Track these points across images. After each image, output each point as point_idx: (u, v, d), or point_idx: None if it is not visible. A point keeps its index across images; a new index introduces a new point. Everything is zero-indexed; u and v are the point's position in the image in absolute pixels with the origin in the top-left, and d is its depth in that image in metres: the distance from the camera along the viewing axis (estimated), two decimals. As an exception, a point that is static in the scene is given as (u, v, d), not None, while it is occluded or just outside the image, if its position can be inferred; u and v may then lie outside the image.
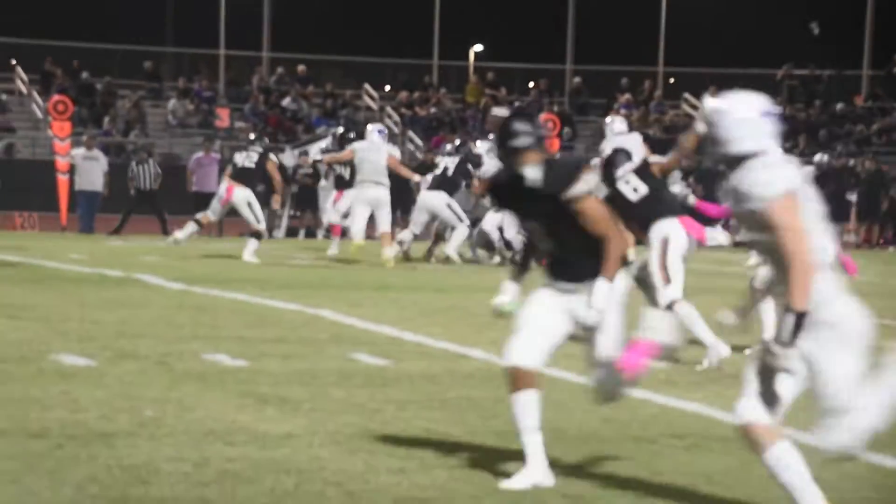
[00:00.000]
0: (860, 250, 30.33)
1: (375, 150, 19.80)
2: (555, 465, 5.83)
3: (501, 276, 16.94)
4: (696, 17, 47.10)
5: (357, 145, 20.37)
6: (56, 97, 30.60)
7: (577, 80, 44.64)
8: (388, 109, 40.49)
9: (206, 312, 11.69)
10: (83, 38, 40.12)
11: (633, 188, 9.82)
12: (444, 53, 45.37)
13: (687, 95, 44.32)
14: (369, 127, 21.24)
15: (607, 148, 20.04)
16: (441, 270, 18.75)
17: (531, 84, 45.37)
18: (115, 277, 15.10)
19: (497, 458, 5.94)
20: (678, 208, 9.85)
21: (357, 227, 19.67)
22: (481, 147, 21.36)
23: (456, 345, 9.82)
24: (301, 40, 43.86)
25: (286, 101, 38.99)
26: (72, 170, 28.49)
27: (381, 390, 7.66)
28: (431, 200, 20.23)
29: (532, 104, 40.77)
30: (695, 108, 43.81)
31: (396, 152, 21.53)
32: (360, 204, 19.74)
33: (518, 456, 5.94)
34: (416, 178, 21.31)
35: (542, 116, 22.63)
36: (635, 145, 20.92)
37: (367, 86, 42.37)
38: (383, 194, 19.61)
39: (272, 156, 20.48)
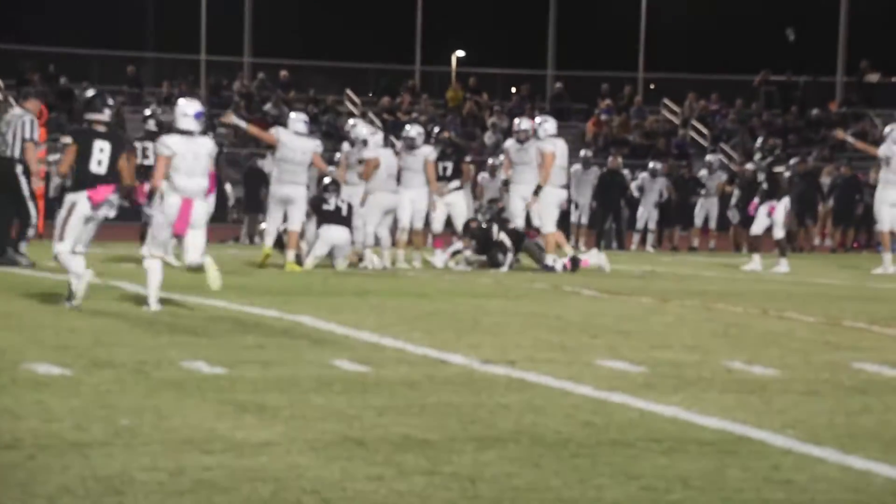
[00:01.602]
0: (835, 254, 30.40)
1: (301, 146, 18.32)
2: (532, 469, 5.81)
3: (484, 281, 16.74)
4: (675, 23, 47.30)
5: (282, 137, 18.56)
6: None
7: (558, 85, 44.76)
8: (370, 115, 40.50)
9: (184, 319, 11.65)
10: (61, 42, 40.06)
11: None
12: (426, 59, 45.47)
13: (667, 101, 44.47)
14: (293, 116, 19.24)
15: (548, 147, 19.69)
16: (423, 276, 18.61)
17: (513, 89, 45.48)
18: (93, 284, 15.02)
19: (476, 463, 5.91)
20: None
21: (270, 228, 18.60)
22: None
23: (436, 350, 9.79)
24: (283, 45, 43.88)
25: (268, 107, 38.96)
26: (47, 176, 28.32)
27: (360, 396, 7.63)
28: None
29: (513, 109, 40.81)
30: (674, 113, 43.95)
31: (319, 147, 19.23)
32: (275, 203, 18.40)
33: (496, 460, 5.92)
34: (329, 169, 19.52)
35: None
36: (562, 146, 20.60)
37: (349, 91, 42.39)
38: (300, 192, 18.31)
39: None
